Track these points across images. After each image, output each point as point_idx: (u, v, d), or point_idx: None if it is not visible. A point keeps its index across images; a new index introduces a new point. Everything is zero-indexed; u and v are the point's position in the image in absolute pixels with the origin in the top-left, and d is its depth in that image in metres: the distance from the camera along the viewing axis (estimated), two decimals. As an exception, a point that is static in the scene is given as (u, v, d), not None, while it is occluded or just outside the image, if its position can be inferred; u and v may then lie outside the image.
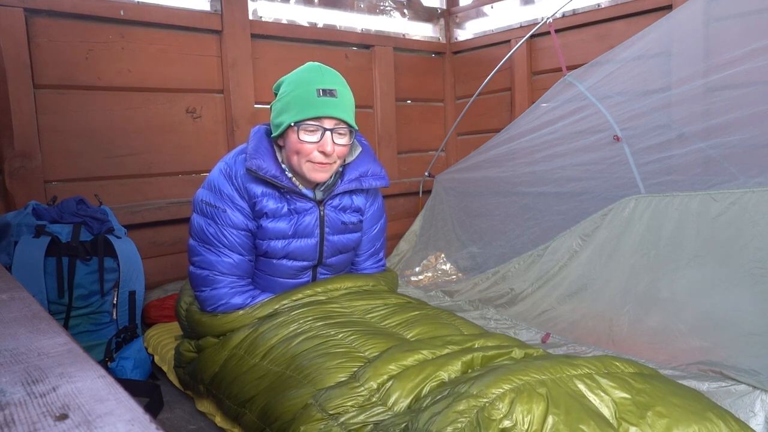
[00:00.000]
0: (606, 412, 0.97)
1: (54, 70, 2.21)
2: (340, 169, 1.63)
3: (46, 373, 0.56)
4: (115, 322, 1.95)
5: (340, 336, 1.36)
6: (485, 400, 0.95)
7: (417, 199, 3.43)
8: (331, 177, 1.59)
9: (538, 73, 3.17)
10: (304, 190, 1.57)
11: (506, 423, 0.92)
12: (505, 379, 1.00)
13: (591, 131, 2.32)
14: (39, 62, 2.17)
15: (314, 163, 1.49)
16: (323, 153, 1.47)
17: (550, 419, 0.92)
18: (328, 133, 1.47)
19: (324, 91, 1.46)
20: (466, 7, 3.55)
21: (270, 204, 1.53)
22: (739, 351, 1.62)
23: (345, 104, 1.49)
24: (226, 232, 1.52)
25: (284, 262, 1.60)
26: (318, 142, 1.47)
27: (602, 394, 0.99)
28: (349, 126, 1.50)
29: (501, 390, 0.97)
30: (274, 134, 1.54)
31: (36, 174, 2.17)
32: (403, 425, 1.01)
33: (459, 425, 0.92)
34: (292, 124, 1.46)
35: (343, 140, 1.51)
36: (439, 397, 1.04)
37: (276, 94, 1.56)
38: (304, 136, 1.47)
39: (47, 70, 2.20)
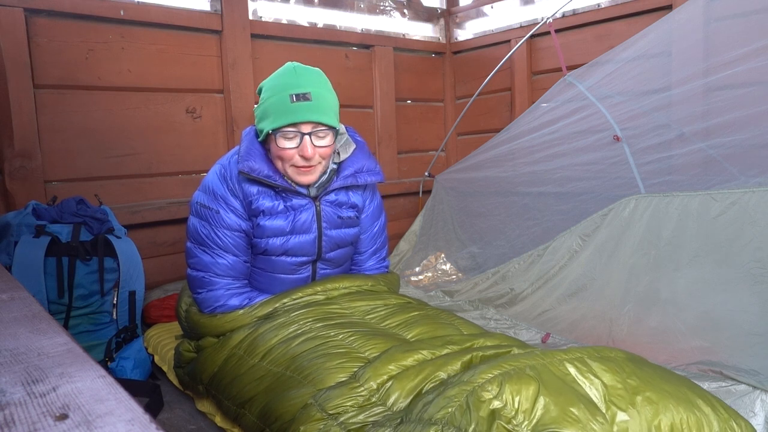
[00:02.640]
0: (595, 396, 0.97)
1: (54, 70, 2.21)
2: (335, 166, 1.64)
3: (46, 373, 0.56)
4: (115, 322, 1.95)
5: (340, 337, 1.36)
6: (475, 384, 0.96)
7: (417, 199, 3.43)
8: (325, 174, 1.60)
9: (538, 73, 3.17)
10: (299, 188, 1.58)
11: (496, 404, 0.92)
12: (496, 365, 1.01)
13: (591, 131, 2.32)
14: (39, 62, 2.17)
15: (297, 167, 1.51)
16: (304, 157, 1.48)
17: (541, 400, 0.92)
18: (306, 137, 1.47)
19: (297, 96, 1.45)
20: (466, 7, 3.55)
21: (266, 202, 1.54)
22: (739, 351, 1.62)
23: (321, 106, 1.48)
24: (219, 233, 1.53)
25: (283, 258, 1.60)
26: (297, 147, 1.48)
27: (592, 377, 0.99)
28: (329, 127, 1.50)
29: (491, 375, 0.98)
30: (259, 139, 1.57)
31: (36, 174, 2.17)
32: (398, 420, 1.01)
33: (450, 409, 0.93)
34: (270, 131, 1.48)
35: (324, 141, 1.51)
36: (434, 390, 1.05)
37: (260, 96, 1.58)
38: (284, 143, 1.48)
39: (47, 70, 2.20)
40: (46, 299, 1.82)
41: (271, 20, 2.85)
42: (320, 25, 3.07)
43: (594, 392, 0.97)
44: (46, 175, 2.22)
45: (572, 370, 1.00)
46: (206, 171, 2.62)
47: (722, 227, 1.80)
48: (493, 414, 0.91)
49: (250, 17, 2.72)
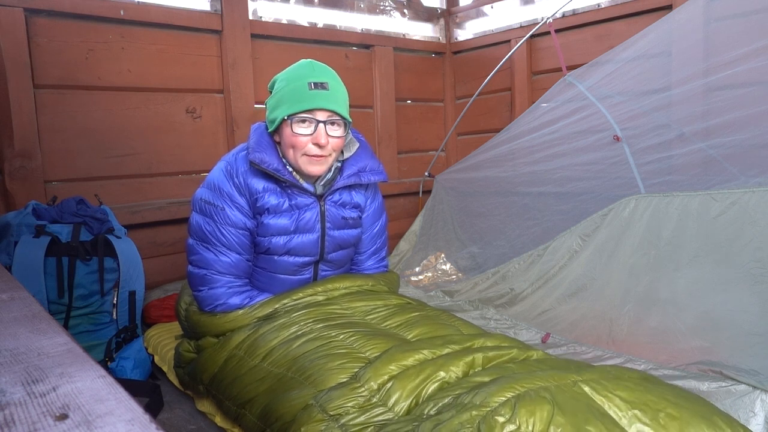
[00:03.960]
0: (615, 413, 0.96)
1: (54, 70, 2.21)
2: (339, 164, 1.64)
3: (46, 373, 0.56)
4: (115, 322, 1.95)
5: (341, 337, 1.36)
6: (488, 408, 0.95)
7: (417, 199, 3.43)
8: (330, 171, 1.61)
9: (538, 73, 3.17)
10: (305, 185, 1.58)
11: (510, 427, 0.91)
12: (509, 387, 1.00)
13: (591, 131, 2.32)
14: (39, 62, 2.17)
15: (309, 156, 1.51)
16: (317, 145, 1.49)
17: (555, 421, 0.91)
18: (321, 125, 1.49)
19: (315, 84, 1.48)
20: (466, 7, 3.55)
21: (271, 200, 1.54)
22: (739, 351, 1.61)
23: (337, 97, 1.51)
24: (224, 231, 1.53)
25: (286, 258, 1.60)
26: (312, 134, 1.49)
27: (609, 395, 0.99)
28: (343, 118, 1.52)
29: (504, 398, 0.97)
30: (269, 129, 1.57)
31: (36, 174, 2.17)
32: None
33: None
34: (286, 117, 1.48)
35: (337, 132, 1.52)
36: (441, 404, 1.04)
37: (271, 92, 1.58)
38: (298, 129, 1.49)
39: (47, 70, 2.20)
40: (46, 299, 1.82)
41: (271, 20, 2.85)
42: (320, 25, 3.07)
43: (614, 409, 0.97)
44: (46, 175, 2.22)
45: (587, 390, 1.00)
46: (206, 171, 2.63)
47: (722, 227, 1.80)
48: None
49: (250, 17, 2.72)
